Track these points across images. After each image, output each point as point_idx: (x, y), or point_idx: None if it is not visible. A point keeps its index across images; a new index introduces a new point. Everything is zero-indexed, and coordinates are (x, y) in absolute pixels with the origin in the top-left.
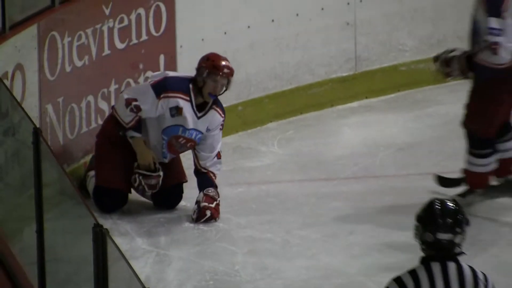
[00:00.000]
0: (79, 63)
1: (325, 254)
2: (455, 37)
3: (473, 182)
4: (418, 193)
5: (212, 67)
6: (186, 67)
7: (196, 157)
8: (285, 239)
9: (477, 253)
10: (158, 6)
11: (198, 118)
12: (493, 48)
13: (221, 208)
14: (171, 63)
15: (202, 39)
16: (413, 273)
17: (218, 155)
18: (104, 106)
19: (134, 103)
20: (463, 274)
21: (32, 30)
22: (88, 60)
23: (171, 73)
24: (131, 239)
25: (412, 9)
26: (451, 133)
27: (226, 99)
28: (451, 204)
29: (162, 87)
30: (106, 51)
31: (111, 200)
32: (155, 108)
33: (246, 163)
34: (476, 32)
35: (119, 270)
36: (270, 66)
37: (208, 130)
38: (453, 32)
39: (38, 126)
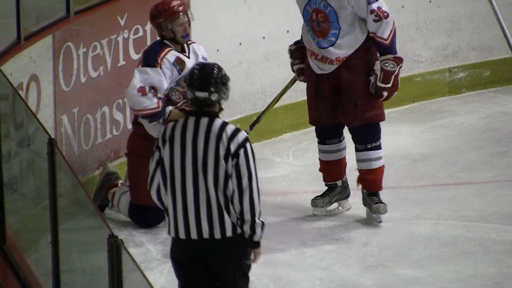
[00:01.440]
0: (94, 74)
1: (339, 265)
2: (470, 48)
3: None
4: (433, 204)
5: (171, 14)
6: None
7: None
8: (299, 250)
9: None
10: None
11: (189, 58)
12: None
13: None
14: None
15: (217, 50)
16: (173, 124)
17: None
18: (119, 117)
19: (146, 87)
20: (212, 126)
21: (47, 41)
22: (103, 70)
23: (142, 51)
24: (146, 250)
25: (428, 20)
26: (466, 144)
27: (242, 109)
28: (210, 67)
29: (150, 57)
30: (121, 62)
31: (153, 216)
32: (164, 75)
33: (261, 174)
34: None
35: (134, 281)
36: (285, 77)
37: (203, 58)
38: (468, 43)
39: (53, 137)
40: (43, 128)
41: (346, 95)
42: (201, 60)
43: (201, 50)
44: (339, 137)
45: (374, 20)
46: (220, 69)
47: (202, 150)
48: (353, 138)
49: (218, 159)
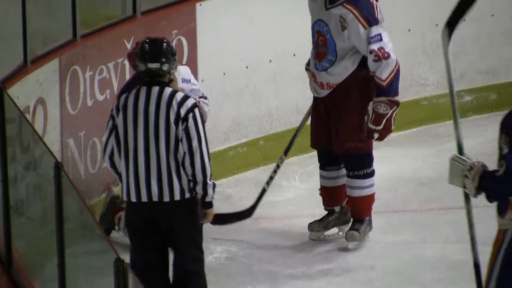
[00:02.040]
0: (100, 97)
1: None
2: (476, 71)
3: None
4: (440, 228)
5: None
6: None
7: None
8: (306, 274)
9: None
10: (179, 40)
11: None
12: None
13: (243, 243)
14: None
15: (224, 73)
16: (127, 94)
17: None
18: None
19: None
20: (162, 94)
21: (53, 64)
22: (110, 94)
23: None
24: None
25: (434, 43)
26: None
27: (248, 132)
28: (159, 40)
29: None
30: None
31: None
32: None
33: (268, 198)
34: None
35: None
36: (292, 100)
37: (185, 81)
38: (475, 66)
39: (59, 160)
40: (50, 151)
41: (332, 121)
42: (180, 83)
43: (181, 72)
44: (338, 164)
45: (374, 60)
46: (168, 42)
47: (154, 116)
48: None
49: (168, 124)
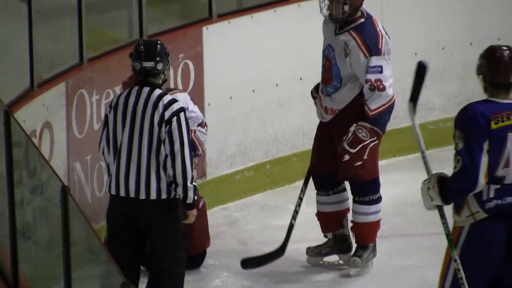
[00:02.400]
0: None
1: None
2: (483, 95)
3: None
4: None
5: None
6: (214, 125)
7: None
8: None
9: None
10: (186, 64)
11: None
12: None
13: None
14: None
15: (230, 97)
16: (120, 93)
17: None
18: None
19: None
20: (151, 95)
21: (60, 88)
22: None
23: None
24: None
25: (440, 67)
26: None
27: (254, 156)
28: (153, 41)
29: None
30: None
31: None
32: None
33: (274, 222)
34: None
35: None
36: (298, 124)
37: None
38: (481, 90)
39: (66, 184)
40: (56, 175)
41: (335, 147)
42: None
43: (179, 99)
44: (327, 191)
45: (369, 89)
46: (162, 43)
47: (140, 116)
48: None
49: (152, 124)
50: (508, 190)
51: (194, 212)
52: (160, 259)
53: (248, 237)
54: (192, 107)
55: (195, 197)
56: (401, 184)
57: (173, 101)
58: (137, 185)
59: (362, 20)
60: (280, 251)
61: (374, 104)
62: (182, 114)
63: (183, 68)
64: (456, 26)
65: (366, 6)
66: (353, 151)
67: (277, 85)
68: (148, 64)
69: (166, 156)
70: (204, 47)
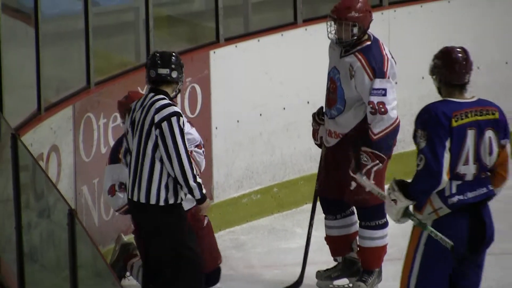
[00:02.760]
0: None
1: None
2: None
3: None
4: None
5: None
6: (221, 148)
7: None
8: None
9: None
10: (193, 88)
11: None
12: None
13: None
14: (207, 145)
15: (237, 121)
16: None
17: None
18: None
19: (116, 185)
20: (151, 100)
21: (67, 112)
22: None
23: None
24: None
25: None
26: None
27: (262, 180)
28: (169, 52)
29: (112, 153)
30: None
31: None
32: None
33: (282, 245)
34: None
35: None
36: (305, 148)
37: None
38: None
39: (73, 207)
40: (63, 198)
41: (342, 172)
42: None
43: None
44: (335, 215)
45: (370, 112)
46: (177, 54)
47: (141, 121)
48: None
49: (148, 129)
50: (469, 186)
51: (205, 204)
52: (153, 261)
53: (255, 261)
54: (189, 129)
55: (202, 192)
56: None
57: (166, 105)
58: (139, 188)
59: (369, 42)
60: (298, 283)
61: (377, 128)
62: (174, 119)
63: (190, 92)
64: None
65: (373, 30)
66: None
67: (284, 108)
68: (164, 71)
69: (163, 159)
70: (211, 71)
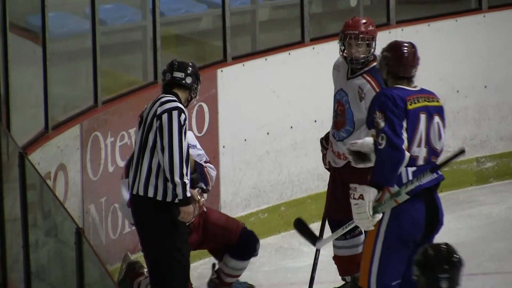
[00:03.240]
0: (122, 163)
1: None
2: (498, 138)
3: None
4: None
5: None
6: (229, 167)
7: None
8: None
9: None
10: (201, 106)
11: None
12: None
13: None
14: (214, 164)
15: (245, 139)
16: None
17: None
18: None
19: None
20: (161, 97)
21: (75, 130)
22: None
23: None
24: None
25: (455, 110)
26: (494, 234)
27: (269, 199)
28: (186, 61)
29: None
30: None
31: None
32: None
33: (289, 264)
34: None
35: None
36: (312, 167)
37: (191, 146)
38: (496, 132)
39: (80, 226)
40: (71, 217)
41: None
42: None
43: (188, 137)
44: (345, 235)
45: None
46: (194, 64)
47: (146, 115)
48: None
49: (148, 122)
50: (423, 171)
51: (186, 209)
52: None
53: (262, 280)
54: (199, 146)
55: (186, 194)
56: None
57: (170, 101)
58: (139, 181)
59: (375, 63)
60: None
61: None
62: (175, 112)
63: (198, 111)
64: (470, 70)
65: (380, 49)
66: None
67: (291, 127)
68: (178, 75)
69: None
70: (219, 89)
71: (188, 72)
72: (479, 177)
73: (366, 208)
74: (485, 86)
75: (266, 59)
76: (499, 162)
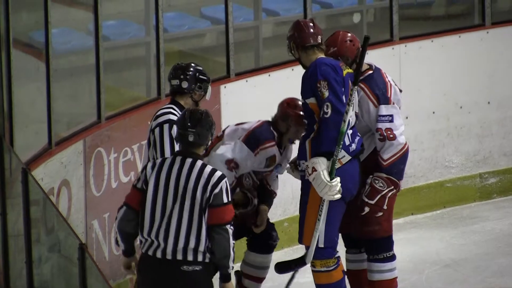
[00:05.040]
0: (125, 179)
1: None
2: (501, 153)
3: None
4: None
5: (298, 117)
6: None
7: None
8: None
9: None
10: None
11: (281, 154)
12: None
13: None
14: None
15: None
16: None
17: None
18: None
19: (232, 164)
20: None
21: (78, 146)
22: (134, 175)
23: (247, 125)
24: None
25: (459, 126)
26: (497, 249)
27: (272, 215)
28: (184, 64)
29: (255, 141)
30: None
31: None
32: (253, 163)
33: (295, 279)
34: None
35: None
36: None
37: (287, 161)
38: (499, 148)
39: (84, 241)
40: (74, 233)
41: (351, 205)
42: (284, 161)
43: (289, 152)
44: (359, 248)
45: (379, 139)
46: (195, 66)
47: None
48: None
49: (148, 136)
50: (355, 133)
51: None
52: None
53: None
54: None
55: None
56: (419, 242)
57: (163, 114)
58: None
59: (371, 72)
60: None
61: (387, 154)
62: (166, 126)
63: None
64: (473, 87)
65: (384, 65)
66: (372, 202)
67: (294, 143)
68: (174, 82)
69: None
70: (222, 105)
71: (183, 76)
72: (482, 193)
73: (322, 177)
74: (488, 102)
75: (269, 75)
76: (502, 178)
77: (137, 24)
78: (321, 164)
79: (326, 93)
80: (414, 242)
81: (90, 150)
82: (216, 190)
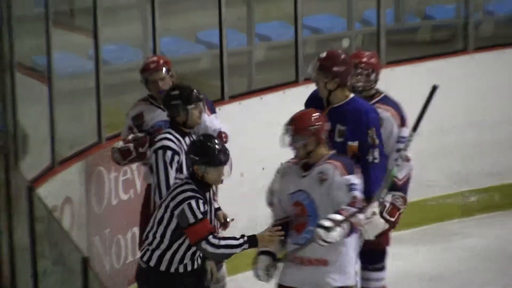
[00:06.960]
0: (125, 197)
1: None
2: (483, 173)
3: None
4: None
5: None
6: (226, 201)
7: None
8: None
9: None
10: None
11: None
12: None
13: None
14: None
15: (241, 174)
16: None
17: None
18: None
19: None
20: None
21: (79, 166)
22: (133, 193)
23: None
24: None
25: (441, 146)
26: (480, 264)
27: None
28: (170, 92)
29: None
30: None
31: None
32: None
33: None
34: None
35: None
36: None
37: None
38: (481, 168)
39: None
40: (77, 247)
41: None
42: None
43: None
44: (368, 267)
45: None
46: (182, 89)
47: None
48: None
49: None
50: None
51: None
52: None
53: None
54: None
55: None
56: (404, 257)
57: (159, 139)
58: None
59: (383, 94)
60: None
61: (401, 174)
62: (160, 152)
63: None
64: (456, 108)
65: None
66: (393, 219)
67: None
68: (166, 110)
69: None
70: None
71: (169, 103)
72: (464, 211)
73: (378, 217)
74: (469, 123)
75: (261, 98)
76: (483, 196)
77: (135, 48)
78: (374, 209)
79: (377, 141)
80: (400, 257)
81: (91, 169)
82: (177, 212)
